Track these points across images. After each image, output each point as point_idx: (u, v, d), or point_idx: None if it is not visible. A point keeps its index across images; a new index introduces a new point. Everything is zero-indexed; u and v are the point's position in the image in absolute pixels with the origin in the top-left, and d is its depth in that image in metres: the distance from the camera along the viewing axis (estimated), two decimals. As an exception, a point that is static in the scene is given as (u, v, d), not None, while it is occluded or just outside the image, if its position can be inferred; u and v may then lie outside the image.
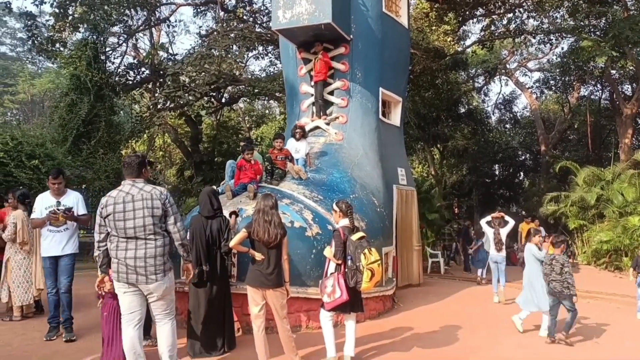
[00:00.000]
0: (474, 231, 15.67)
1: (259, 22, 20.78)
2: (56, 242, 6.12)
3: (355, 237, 5.23)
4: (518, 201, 31.36)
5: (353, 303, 5.24)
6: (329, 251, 5.33)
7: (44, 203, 6.14)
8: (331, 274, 5.25)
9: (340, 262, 5.19)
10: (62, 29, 18.15)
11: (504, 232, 9.78)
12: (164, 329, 4.54)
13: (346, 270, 5.15)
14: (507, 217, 10.11)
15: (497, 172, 32.83)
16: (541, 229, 13.89)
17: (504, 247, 9.74)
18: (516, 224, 11.24)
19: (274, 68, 22.32)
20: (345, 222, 5.41)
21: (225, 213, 6.31)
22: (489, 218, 10.13)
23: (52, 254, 6.13)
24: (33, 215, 6.18)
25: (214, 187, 6.75)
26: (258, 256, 5.02)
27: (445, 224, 17.96)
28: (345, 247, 5.20)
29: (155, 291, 4.37)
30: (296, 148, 8.57)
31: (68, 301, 6.14)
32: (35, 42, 18.46)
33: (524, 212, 28.08)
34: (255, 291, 5.08)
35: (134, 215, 4.30)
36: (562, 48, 25.25)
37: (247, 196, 7.22)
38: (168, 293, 4.51)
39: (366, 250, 5.06)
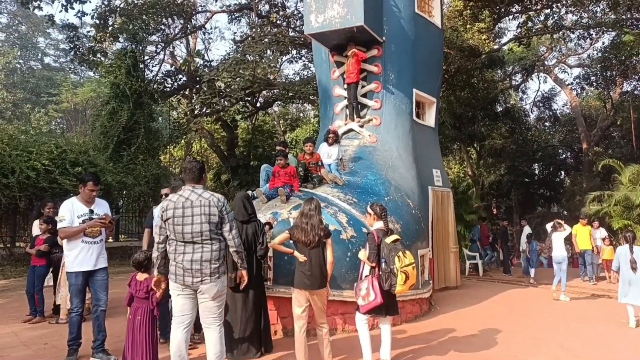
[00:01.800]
0: (513, 232, 15.42)
1: (292, 26, 20.97)
2: (91, 255, 5.45)
3: (389, 239, 5.22)
4: (559, 201, 30.58)
5: (388, 306, 5.22)
6: (363, 254, 5.35)
7: (74, 211, 5.43)
8: (365, 276, 5.25)
9: (374, 264, 5.20)
10: (102, 39, 18.78)
11: (556, 237, 10.38)
12: (212, 335, 4.56)
13: (380, 273, 5.15)
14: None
15: (536, 172, 32.07)
16: (601, 229, 13.57)
17: (558, 248, 10.30)
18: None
19: (308, 71, 22.45)
20: (379, 224, 5.41)
21: (261, 217, 6.39)
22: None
23: (87, 269, 5.43)
24: (62, 225, 5.36)
25: (248, 191, 6.84)
26: (301, 258, 5.12)
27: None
28: (379, 250, 5.20)
29: (207, 292, 4.45)
30: (328, 153, 8.56)
31: (104, 318, 5.56)
32: (77, 52, 19.19)
33: (565, 212, 27.38)
34: (299, 292, 5.17)
35: (192, 220, 4.40)
36: (603, 43, 24.58)
37: (280, 200, 7.31)
38: (219, 295, 4.57)
39: (400, 253, 5.04)
